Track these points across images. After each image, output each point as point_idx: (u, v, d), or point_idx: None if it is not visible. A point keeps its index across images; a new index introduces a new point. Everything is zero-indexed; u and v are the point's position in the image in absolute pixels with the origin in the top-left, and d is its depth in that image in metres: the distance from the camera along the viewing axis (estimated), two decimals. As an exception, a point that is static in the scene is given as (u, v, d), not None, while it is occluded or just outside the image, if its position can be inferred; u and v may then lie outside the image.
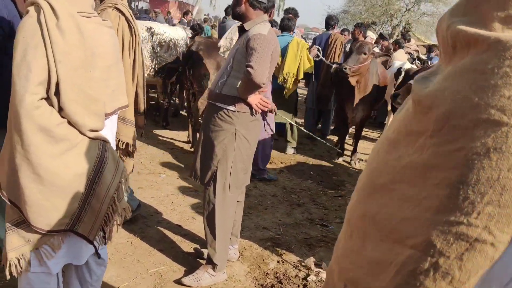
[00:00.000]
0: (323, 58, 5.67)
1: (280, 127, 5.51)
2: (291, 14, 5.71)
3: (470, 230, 0.56)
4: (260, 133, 2.62)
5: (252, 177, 2.83)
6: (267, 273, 2.77)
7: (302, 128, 5.74)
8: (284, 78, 4.93)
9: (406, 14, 25.29)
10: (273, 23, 6.22)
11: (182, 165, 4.69)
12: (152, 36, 5.07)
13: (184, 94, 6.32)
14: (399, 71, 5.59)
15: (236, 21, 3.04)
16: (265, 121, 4.31)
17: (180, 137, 5.75)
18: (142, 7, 23.18)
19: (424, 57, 8.72)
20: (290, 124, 5.34)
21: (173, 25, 6.88)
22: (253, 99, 2.40)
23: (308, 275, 2.77)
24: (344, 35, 7.07)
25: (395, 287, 0.62)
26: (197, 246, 2.94)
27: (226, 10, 9.19)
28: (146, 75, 5.05)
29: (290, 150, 5.54)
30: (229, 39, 4.55)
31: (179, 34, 5.40)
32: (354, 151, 5.48)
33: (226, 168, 2.43)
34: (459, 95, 0.58)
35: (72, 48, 1.48)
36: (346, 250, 0.75)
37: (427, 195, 0.60)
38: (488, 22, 0.59)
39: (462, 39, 0.61)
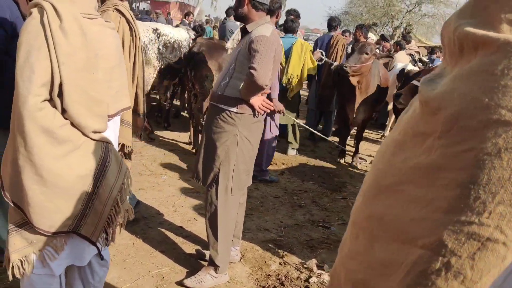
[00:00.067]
0: (327, 59, 5.68)
1: (282, 128, 5.51)
2: (293, 15, 5.71)
3: (481, 230, 0.56)
4: (261, 134, 2.62)
5: (253, 178, 2.82)
6: (269, 275, 2.77)
7: (307, 126, 5.74)
8: (289, 79, 4.94)
9: (407, 15, 25.33)
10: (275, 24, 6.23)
11: (184, 167, 4.68)
12: (159, 37, 5.07)
13: (186, 95, 6.32)
14: (401, 72, 5.57)
15: (237, 22, 3.04)
16: (273, 122, 4.32)
17: (181, 138, 5.75)
18: (144, 8, 23.25)
19: (425, 58, 8.71)
20: (293, 125, 5.34)
21: (176, 26, 6.87)
22: (256, 100, 2.40)
23: (310, 277, 2.77)
24: (345, 36, 7.08)
25: (406, 287, 0.62)
26: (199, 247, 2.94)
27: (227, 11, 9.17)
28: (153, 75, 5.08)
29: (291, 152, 5.54)
30: (236, 41, 4.54)
31: (182, 36, 5.40)
32: (355, 153, 5.48)
33: (228, 170, 2.43)
34: (468, 96, 0.58)
35: (75, 50, 1.48)
36: (353, 252, 0.74)
37: (436, 196, 0.60)
38: (497, 24, 0.59)
39: (470, 41, 0.61)
